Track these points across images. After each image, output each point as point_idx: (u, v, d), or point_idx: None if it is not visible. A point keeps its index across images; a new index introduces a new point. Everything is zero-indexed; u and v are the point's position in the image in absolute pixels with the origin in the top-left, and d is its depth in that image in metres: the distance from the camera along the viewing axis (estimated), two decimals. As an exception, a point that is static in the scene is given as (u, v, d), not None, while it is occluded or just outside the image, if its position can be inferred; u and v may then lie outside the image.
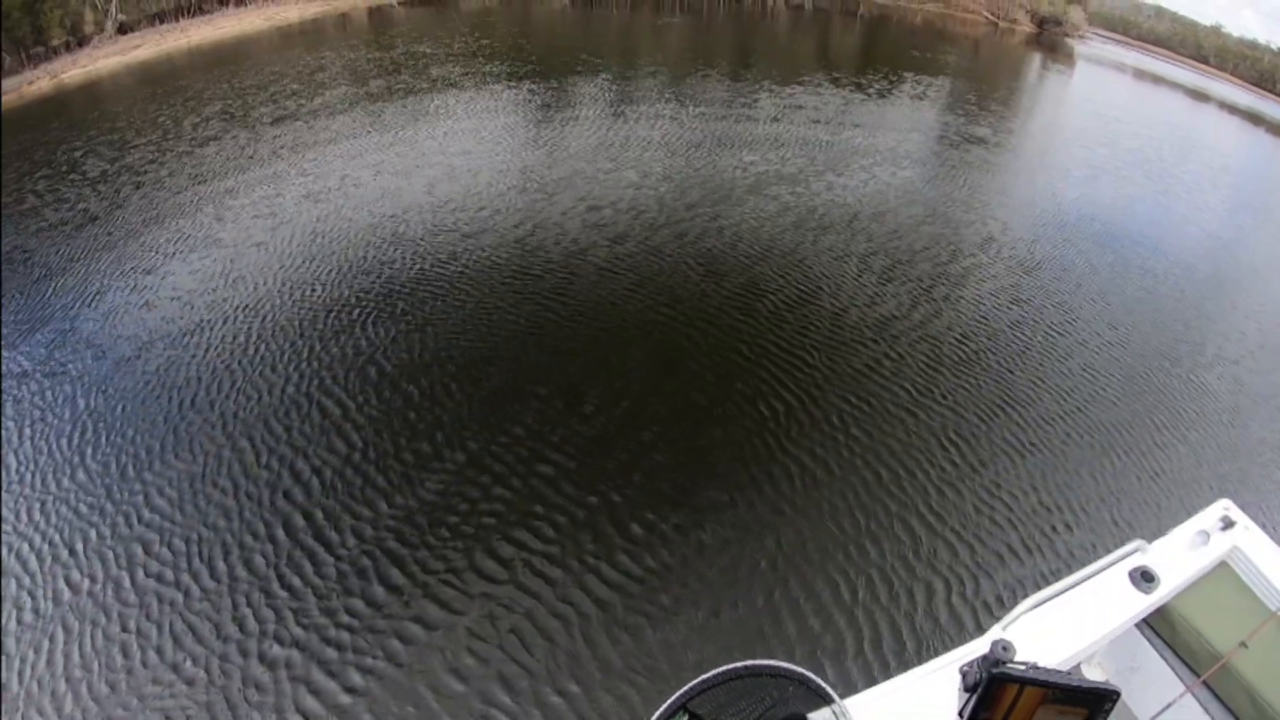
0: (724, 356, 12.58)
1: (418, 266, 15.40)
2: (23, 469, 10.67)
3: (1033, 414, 11.95)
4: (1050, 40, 62.14)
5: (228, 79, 33.65)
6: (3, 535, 9.81)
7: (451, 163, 21.07)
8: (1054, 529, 9.68)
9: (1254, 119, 48.36)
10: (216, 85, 32.45)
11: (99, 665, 7.91)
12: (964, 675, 3.77)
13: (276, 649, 7.94)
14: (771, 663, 3.29)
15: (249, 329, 13.69)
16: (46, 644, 8.19)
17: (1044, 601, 4.51)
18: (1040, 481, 10.47)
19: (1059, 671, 3.28)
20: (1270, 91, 68.63)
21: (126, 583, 8.86)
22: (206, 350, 13.19)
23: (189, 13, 54.60)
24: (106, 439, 11.19)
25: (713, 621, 8.19)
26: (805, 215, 17.97)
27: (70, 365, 13.04)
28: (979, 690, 3.26)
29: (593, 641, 7.94)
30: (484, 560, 8.86)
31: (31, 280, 16.14)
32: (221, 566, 8.97)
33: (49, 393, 12.35)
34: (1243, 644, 4.80)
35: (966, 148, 24.78)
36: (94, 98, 36.20)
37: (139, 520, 9.69)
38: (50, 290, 15.65)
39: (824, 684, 3.25)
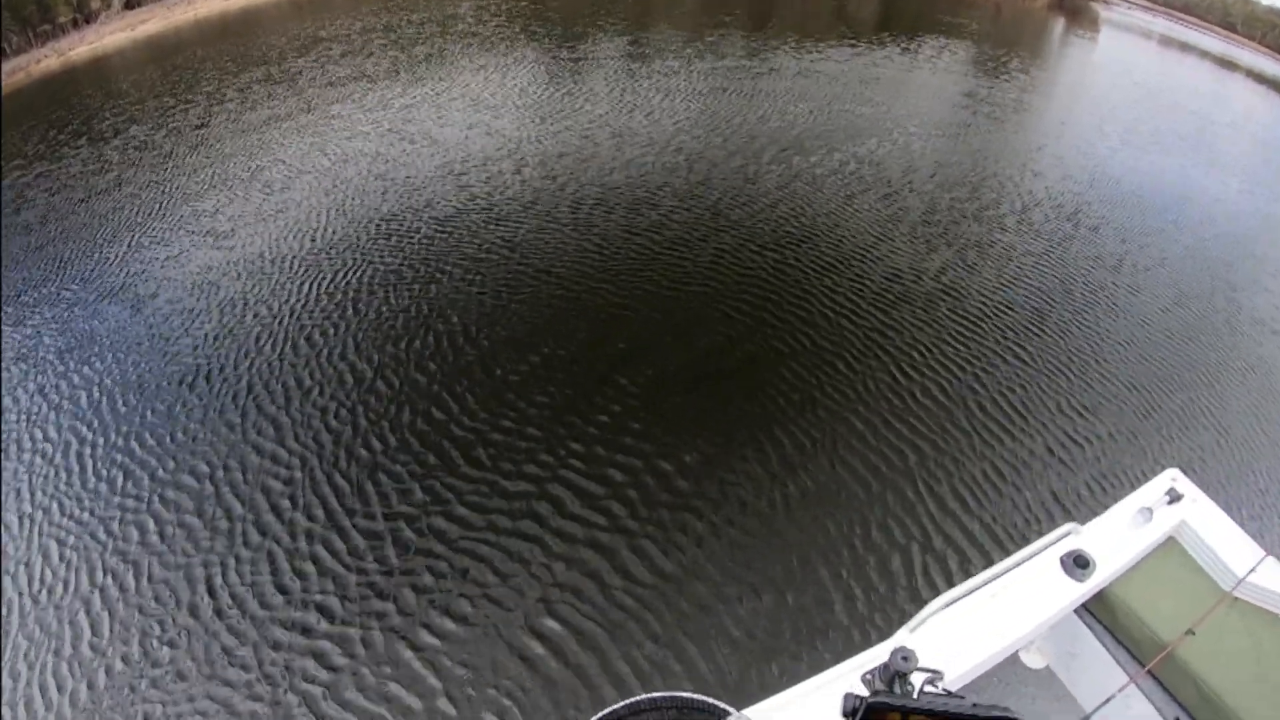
0: (757, 315, 12.42)
1: (468, 233, 15.52)
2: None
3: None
4: (1074, 5, 61.29)
5: (237, 50, 33.45)
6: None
7: (469, 129, 20.99)
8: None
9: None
10: (223, 57, 32.32)
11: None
12: (865, 683, 3.66)
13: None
14: (652, 695, 3.09)
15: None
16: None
17: (959, 599, 4.20)
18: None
19: (954, 696, 2.93)
20: (1301, 60, 67.47)
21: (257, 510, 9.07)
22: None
23: (195, -14, 54.48)
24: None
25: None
26: (843, 178, 17.72)
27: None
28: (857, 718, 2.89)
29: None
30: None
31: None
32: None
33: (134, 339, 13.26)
34: (1190, 631, 4.45)
35: (992, 113, 24.41)
36: (103, 73, 36.12)
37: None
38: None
39: (714, 700, 3.08)
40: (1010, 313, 13.01)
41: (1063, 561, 4.53)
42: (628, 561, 8.35)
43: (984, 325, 12.61)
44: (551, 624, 7.70)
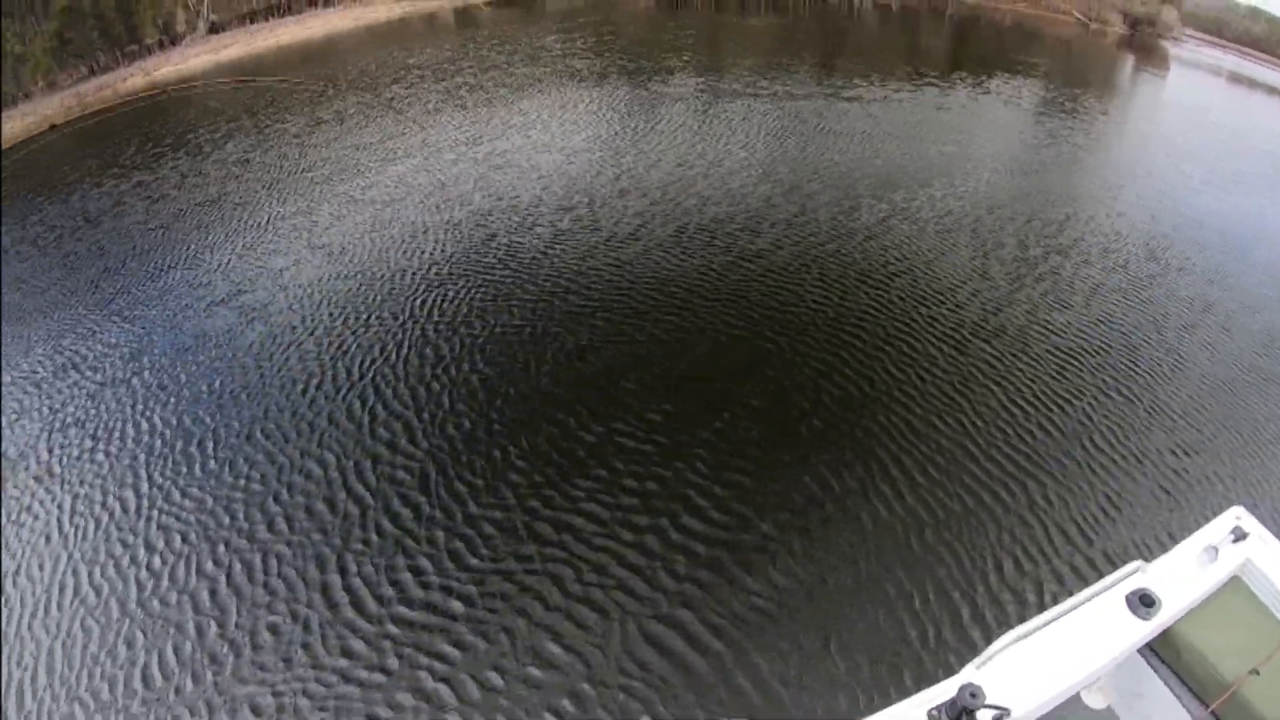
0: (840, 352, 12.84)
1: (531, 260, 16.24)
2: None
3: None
4: (1143, 42, 60.92)
5: (325, 75, 34.87)
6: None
7: (549, 158, 21.72)
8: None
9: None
10: (316, 81, 33.80)
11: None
12: (932, 719, 3.81)
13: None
14: None
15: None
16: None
17: (1026, 636, 4.31)
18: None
19: None
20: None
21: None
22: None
23: (279, 13, 56.41)
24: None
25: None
26: (932, 214, 18.09)
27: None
28: None
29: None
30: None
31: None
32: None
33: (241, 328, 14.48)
34: (1254, 671, 4.43)
35: (1071, 153, 24.56)
36: (189, 93, 37.72)
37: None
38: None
39: None
40: (1104, 351, 13.24)
41: (1128, 600, 4.60)
42: (707, 582, 8.82)
43: (1077, 361, 12.85)
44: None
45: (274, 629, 8.56)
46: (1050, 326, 13.78)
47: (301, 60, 41.56)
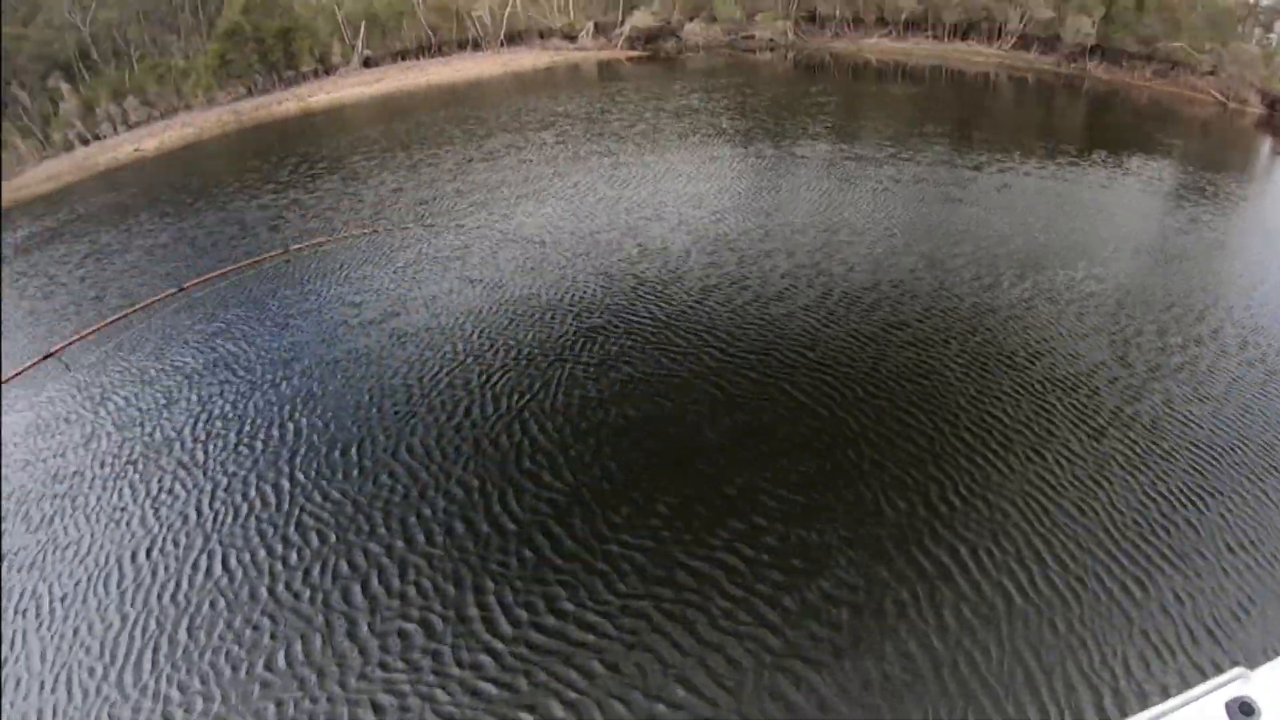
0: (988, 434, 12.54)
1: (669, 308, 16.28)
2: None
3: None
4: (1283, 122, 58.84)
5: (473, 116, 36.31)
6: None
7: (697, 213, 22.03)
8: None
9: None
10: (466, 121, 35.22)
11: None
12: None
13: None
14: None
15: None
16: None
17: None
18: None
19: None
20: None
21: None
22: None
23: (429, 53, 59.14)
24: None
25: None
26: (1072, 296, 17.62)
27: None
28: None
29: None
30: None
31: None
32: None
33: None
34: None
35: (1212, 239, 23.67)
36: (340, 121, 39.88)
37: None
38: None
39: None
40: (1241, 447, 12.55)
41: (1228, 708, 4.43)
42: (839, 645, 8.63)
43: (1214, 457, 12.18)
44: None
45: (404, 635, 8.87)
46: (1188, 418, 13.25)
47: (450, 100, 43.48)
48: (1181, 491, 11.29)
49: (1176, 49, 51.09)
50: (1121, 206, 26.10)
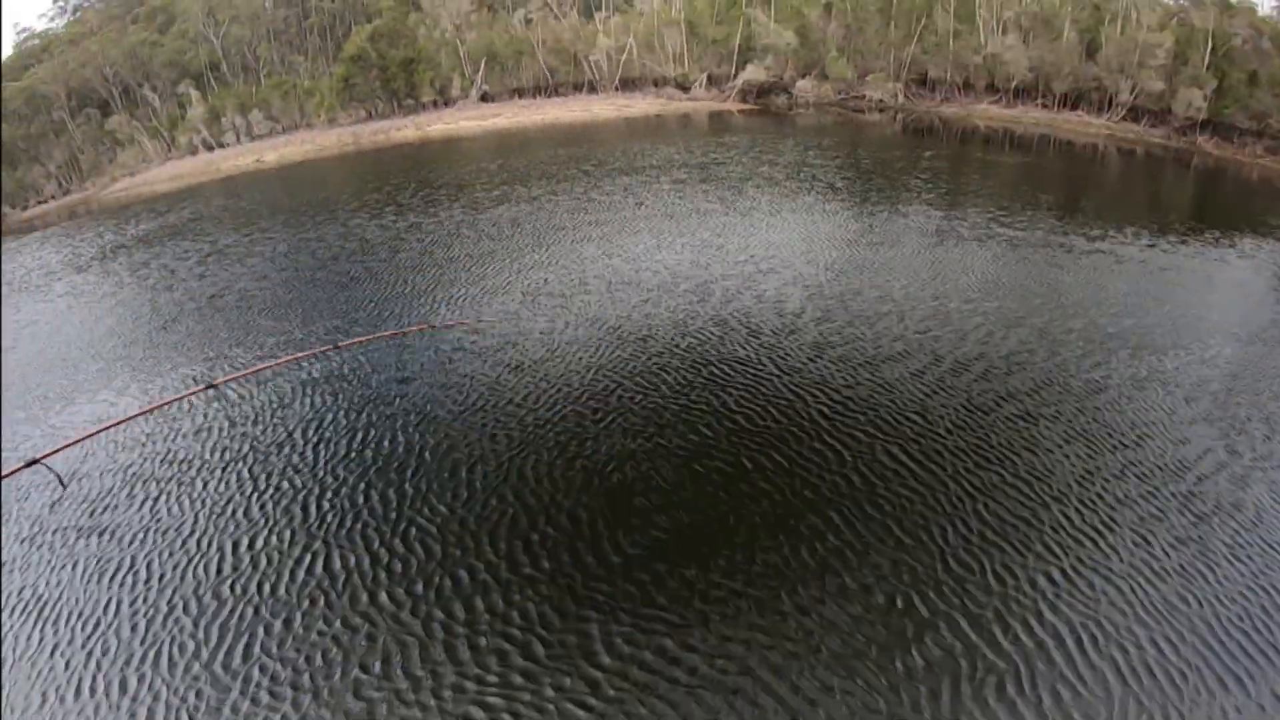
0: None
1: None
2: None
3: None
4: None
5: (590, 156, 37.16)
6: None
7: (811, 270, 22.03)
8: None
9: None
10: (585, 162, 36.07)
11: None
12: None
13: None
14: None
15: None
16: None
17: None
18: None
19: None
20: None
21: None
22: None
23: (545, 92, 60.78)
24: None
25: None
26: (1171, 380, 16.96)
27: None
28: None
29: None
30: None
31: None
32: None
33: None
34: None
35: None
36: (456, 152, 41.12)
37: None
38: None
39: None
40: None
41: None
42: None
43: None
44: None
45: (501, 654, 8.78)
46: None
47: (565, 139, 44.51)
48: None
49: (1289, 125, 49.74)
50: (1232, 287, 25.20)
